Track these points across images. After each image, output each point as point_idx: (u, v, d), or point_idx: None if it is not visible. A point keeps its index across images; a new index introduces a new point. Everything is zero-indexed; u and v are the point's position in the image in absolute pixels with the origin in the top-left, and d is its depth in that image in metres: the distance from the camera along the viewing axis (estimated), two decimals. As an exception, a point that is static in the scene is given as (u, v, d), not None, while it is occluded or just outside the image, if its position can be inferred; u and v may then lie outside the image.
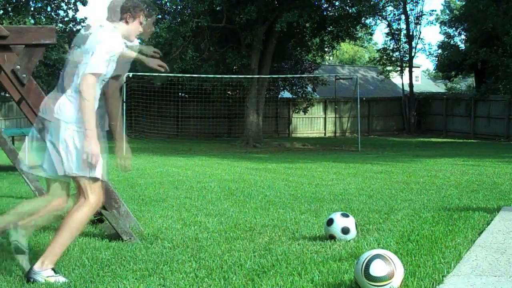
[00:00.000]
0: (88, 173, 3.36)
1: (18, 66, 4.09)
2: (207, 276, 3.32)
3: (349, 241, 4.18)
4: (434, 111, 28.29)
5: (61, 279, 3.32)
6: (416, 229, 4.57)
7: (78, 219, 3.36)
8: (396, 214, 5.35)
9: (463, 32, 30.62)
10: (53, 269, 3.34)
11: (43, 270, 3.30)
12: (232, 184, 8.09)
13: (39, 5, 24.90)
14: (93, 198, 3.39)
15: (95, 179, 3.39)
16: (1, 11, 23.66)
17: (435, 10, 54.02)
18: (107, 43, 3.45)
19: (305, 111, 26.53)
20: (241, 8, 19.12)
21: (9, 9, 23.69)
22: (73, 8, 25.62)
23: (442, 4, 46.94)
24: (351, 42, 28.36)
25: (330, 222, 4.26)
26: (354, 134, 24.46)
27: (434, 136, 25.90)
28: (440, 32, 35.59)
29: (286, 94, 27.61)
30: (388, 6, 26.94)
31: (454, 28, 30.96)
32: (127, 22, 3.76)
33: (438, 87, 45.97)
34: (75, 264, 3.64)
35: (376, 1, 22.84)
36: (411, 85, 28.82)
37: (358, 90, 19.33)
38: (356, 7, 21.21)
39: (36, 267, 3.31)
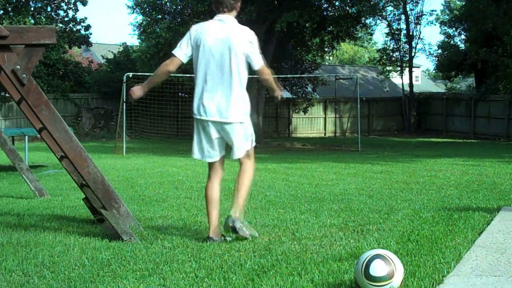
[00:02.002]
0: None
1: (18, 66, 4.09)
2: (207, 276, 3.32)
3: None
4: (434, 111, 28.30)
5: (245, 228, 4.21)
6: (416, 229, 4.56)
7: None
8: (396, 214, 5.35)
9: (463, 32, 30.60)
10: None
11: (238, 219, 4.16)
12: (232, 184, 8.07)
13: (39, 5, 24.92)
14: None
15: None
16: (1, 11, 23.66)
17: (435, 10, 53.95)
18: None
19: (305, 111, 26.53)
20: (241, 8, 19.11)
21: (9, 9, 23.70)
22: (73, 8, 25.65)
23: (442, 4, 46.88)
24: (351, 42, 28.36)
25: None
26: (354, 134, 24.46)
27: (434, 136, 25.90)
28: (440, 32, 35.55)
29: (286, 94, 27.61)
30: (388, 6, 26.93)
31: (454, 28, 30.94)
32: (237, 10, 4.34)
33: (438, 87, 45.98)
34: (75, 264, 3.64)
35: (376, 1, 22.81)
36: (411, 85, 28.82)
37: (358, 90, 19.33)
38: (356, 7, 21.20)
39: (236, 217, 4.17)
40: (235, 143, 4.22)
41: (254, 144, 4.37)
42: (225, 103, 4.14)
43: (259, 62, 4.27)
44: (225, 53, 4.13)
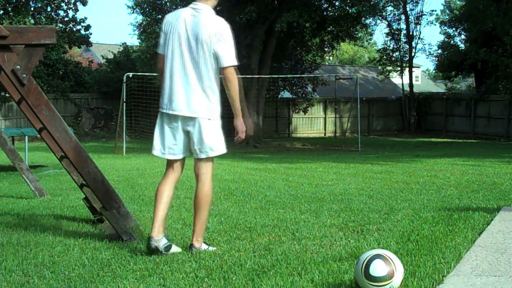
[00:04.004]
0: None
1: (18, 66, 4.08)
2: (207, 276, 3.32)
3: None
4: (434, 111, 28.30)
5: (211, 248, 3.99)
6: (416, 229, 4.56)
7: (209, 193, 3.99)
8: (396, 214, 5.35)
9: (463, 32, 30.62)
10: (204, 242, 4.03)
11: (201, 246, 3.95)
12: (232, 184, 8.09)
13: (39, 5, 24.91)
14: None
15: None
16: (1, 11, 23.65)
17: (435, 10, 54.02)
18: None
19: (305, 111, 26.52)
20: (241, 8, 19.12)
21: (9, 9, 23.69)
22: (73, 8, 25.64)
23: (442, 4, 46.95)
24: (351, 42, 28.35)
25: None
26: (354, 134, 24.46)
27: (434, 136, 25.90)
28: (440, 32, 35.59)
29: (286, 94, 27.61)
30: (388, 6, 26.95)
31: (454, 28, 30.95)
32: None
33: (438, 87, 45.96)
34: (75, 264, 3.64)
35: (376, 1, 22.83)
36: (411, 85, 28.83)
37: (358, 90, 19.34)
38: (356, 7, 21.20)
39: (197, 246, 3.93)
40: (203, 140, 3.84)
41: (224, 151, 3.96)
42: (191, 97, 3.81)
43: (226, 61, 3.80)
44: (192, 44, 3.80)
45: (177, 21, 3.89)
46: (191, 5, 3.96)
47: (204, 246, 3.98)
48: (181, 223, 5.07)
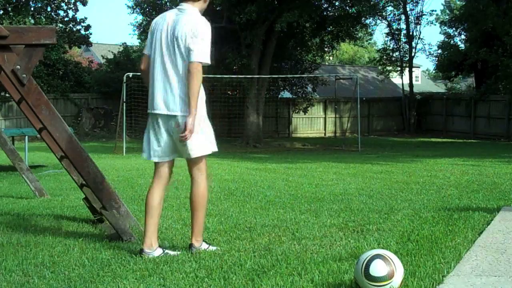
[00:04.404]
0: None
1: (18, 66, 4.08)
2: (207, 276, 3.32)
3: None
4: (434, 111, 28.30)
5: (212, 247, 3.98)
6: (416, 229, 4.56)
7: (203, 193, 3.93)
8: (396, 214, 5.35)
9: (463, 32, 30.63)
10: (204, 241, 4.01)
11: (201, 246, 3.94)
12: (232, 184, 8.09)
13: (39, 5, 24.91)
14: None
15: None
16: (1, 11, 23.65)
17: (435, 10, 54.04)
18: None
19: (305, 111, 26.53)
20: (241, 8, 19.12)
21: (9, 9, 23.69)
22: (73, 8, 25.64)
23: (442, 4, 46.93)
24: (351, 42, 28.37)
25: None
26: (354, 134, 24.46)
27: (434, 136, 25.90)
28: (440, 32, 35.58)
29: (286, 94, 27.61)
30: (388, 6, 26.96)
31: (454, 28, 30.96)
32: (203, 1, 3.93)
33: (438, 87, 45.96)
34: (75, 264, 3.64)
35: (376, 1, 22.84)
36: (411, 85, 28.83)
37: (358, 90, 19.34)
38: (356, 7, 21.22)
39: (197, 245, 3.93)
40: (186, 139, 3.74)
41: (209, 152, 3.91)
42: (171, 96, 3.76)
43: (194, 55, 3.69)
44: (170, 43, 3.78)
45: (162, 22, 3.89)
46: (178, 6, 3.95)
47: (204, 246, 3.96)
48: (181, 223, 5.07)
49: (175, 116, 3.77)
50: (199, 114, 3.77)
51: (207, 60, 3.75)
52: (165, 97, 3.79)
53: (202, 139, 3.84)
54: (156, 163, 3.96)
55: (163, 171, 3.94)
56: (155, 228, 3.89)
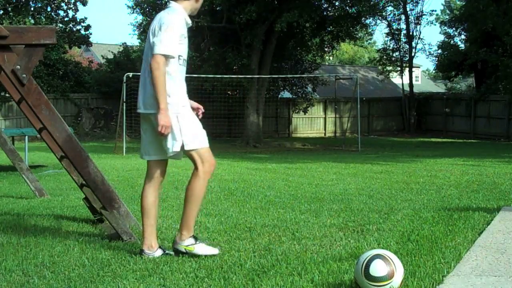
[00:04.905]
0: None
1: (18, 66, 4.08)
2: (207, 276, 3.32)
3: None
4: (434, 111, 28.30)
5: (200, 245, 3.74)
6: (416, 229, 4.56)
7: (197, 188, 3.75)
8: (396, 214, 5.35)
9: (463, 32, 30.64)
10: (193, 236, 3.77)
11: (183, 241, 3.75)
12: (232, 184, 8.09)
13: (39, 5, 24.89)
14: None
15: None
16: (1, 11, 23.65)
17: (435, 10, 54.05)
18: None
19: (305, 111, 26.53)
20: (241, 8, 19.12)
21: (9, 9, 23.68)
22: (73, 8, 25.63)
23: (442, 4, 46.93)
24: (351, 42, 28.37)
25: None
26: (354, 134, 24.46)
27: (434, 136, 25.90)
28: (440, 32, 35.59)
29: (286, 94, 27.61)
30: (388, 6, 26.95)
31: (454, 28, 30.97)
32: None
33: (438, 87, 45.97)
34: (75, 264, 3.64)
35: (376, 1, 22.83)
36: (411, 85, 28.84)
37: (358, 90, 19.34)
38: (356, 7, 21.22)
39: (178, 240, 3.77)
40: (162, 137, 3.68)
41: (202, 145, 3.75)
42: (147, 94, 3.72)
43: (155, 48, 3.60)
44: (147, 42, 3.78)
45: (153, 22, 3.88)
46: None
47: (188, 242, 3.74)
48: (181, 223, 5.06)
49: (152, 114, 3.71)
50: (174, 109, 3.65)
51: (169, 52, 3.60)
52: (143, 96, 3.78)
53: (179, 135, 3.67)
54: (147, 162, 3.93)
55: (154, 171, 3.89)
56: (152, 229, 3.87)
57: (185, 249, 3.75)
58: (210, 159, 3.77)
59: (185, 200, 3.78)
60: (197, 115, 3.94)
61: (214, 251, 3.77)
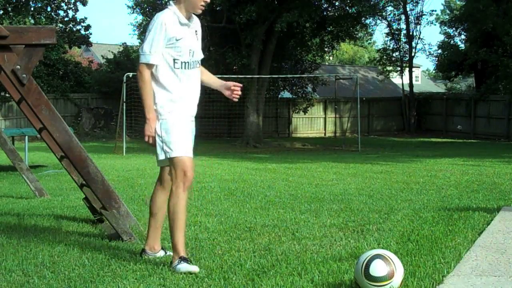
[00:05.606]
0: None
1: (18, 66, 4.08)
2: (207, 276, 3.32)
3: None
4: (434, 111, 28.30)
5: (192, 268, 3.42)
6: (416, 229, 4.57)
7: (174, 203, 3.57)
8: (396, 214, 5.35)
9: (463, 32, 30.62)
10: (183, 258, 3.46)
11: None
12: (232, 184, 8.09)
13: (39, 5, 24.91)
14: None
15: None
16: (1, 11, 23.66)
17: (435, 10, 54.04)
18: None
19: (305, 111, 26.52)
20: (241, 8, 19.12)
21: (9, 9, 23.69)
22: (73, 8, 25.64)
23: (442, 4, 46.96)
24: (351, 42, 28.37)
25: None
26: (354, 134, 24.46)
27: (434, 136, 25.89)
28: (440, 32, 35.60)
29: (286, 94, 27.60)
30: (388, 6, 26.95)
31: (454, 28, 30.95)
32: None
33: (438, 87, 45.95)
34: (75, 264, 3.64)
35: (376, 1, 22.83)
36: (411, 85, 28.83)
37: (358, 90, 19.33)
38: (356, 7, 21.21)
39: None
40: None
41: (175, 155, 3.53)
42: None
43: (140, 58, 3.58)
44: None
45: None
46: None
47: (174, 263, 3.49)
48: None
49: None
50: (163, 117, 3.58)
51: (150, 61, 3.53)
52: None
53: (161, 145, 3.58)
54: (161, 167, 3.84)
55: (162, 175, 3.83)
56: (157, 231, 3.85)
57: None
58: (187, 170, 3.55)
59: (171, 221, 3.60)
60: (231, 96, 3.95)
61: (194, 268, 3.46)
